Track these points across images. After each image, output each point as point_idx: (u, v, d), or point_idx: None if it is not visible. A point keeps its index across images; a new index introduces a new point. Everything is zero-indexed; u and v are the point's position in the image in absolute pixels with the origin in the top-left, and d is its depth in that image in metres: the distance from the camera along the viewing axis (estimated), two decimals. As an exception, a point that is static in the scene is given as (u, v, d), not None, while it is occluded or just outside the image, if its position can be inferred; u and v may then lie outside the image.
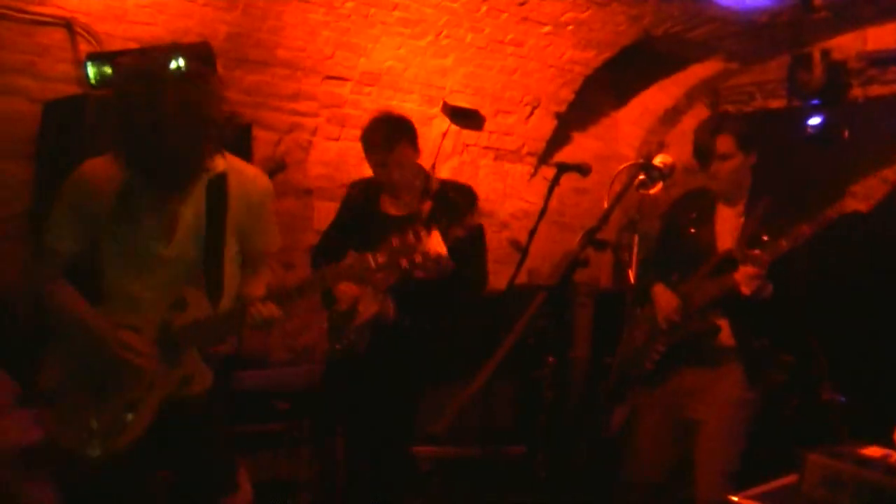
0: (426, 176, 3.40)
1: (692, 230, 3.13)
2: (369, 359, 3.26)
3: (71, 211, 2.31)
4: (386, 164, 3.23)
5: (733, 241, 3.01)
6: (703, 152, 3.02)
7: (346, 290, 3.23)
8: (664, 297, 3.10)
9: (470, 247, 3.22)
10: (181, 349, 2.31)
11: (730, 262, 2.93)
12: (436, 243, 2.38)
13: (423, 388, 3.30)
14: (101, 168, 2.26)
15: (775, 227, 2.87)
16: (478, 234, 3.30)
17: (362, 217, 3.38)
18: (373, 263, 2.32)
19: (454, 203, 3.33)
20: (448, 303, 3.33)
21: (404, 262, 2.31)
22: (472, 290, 3.38)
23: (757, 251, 2.81)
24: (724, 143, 2.99)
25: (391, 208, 3.38)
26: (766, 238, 2.88)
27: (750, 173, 3.06)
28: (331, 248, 3.35)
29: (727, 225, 3.07)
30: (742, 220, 3.04)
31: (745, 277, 2.82)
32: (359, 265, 2.34)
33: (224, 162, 2.35)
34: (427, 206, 3.33)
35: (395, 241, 2.32)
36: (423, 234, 2.34)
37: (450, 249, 2.80)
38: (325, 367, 3.55)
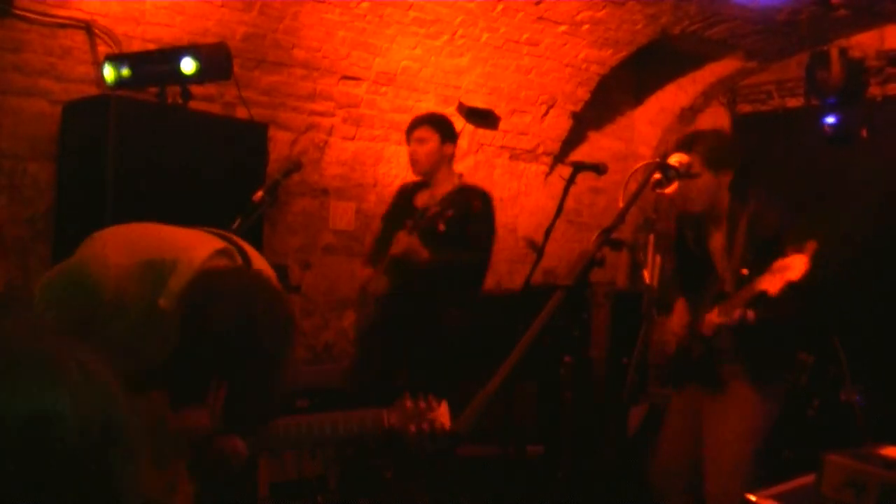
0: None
1: (692, 246, 3.16)
2: (396, 358, 3.27)
3: None
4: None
5: (723, 261, 3.04)
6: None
7: None
8: (676, 317, 3.15)
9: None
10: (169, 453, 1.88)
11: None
12: (443, 415, 2.19)
13: (444, 388, 3.32)
14: None
15: (769, 235, 2.89)
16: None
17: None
18: (386, 422, 2.17)
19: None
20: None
21: (413, 428, 2.15)
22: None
23: (716, 313, 2.88)
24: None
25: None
26: (749, 257, 2.91)
27: (727, 194, 3.02)
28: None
29: (717, 244, 3.08)
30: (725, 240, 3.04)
31: (707, 325, 2.91)
32: (371, 424, 2.18)
33: None
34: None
35: (408, 404, 2.17)
36: (433, 402, 2.20)
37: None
38: (351, 367, 3.56)
